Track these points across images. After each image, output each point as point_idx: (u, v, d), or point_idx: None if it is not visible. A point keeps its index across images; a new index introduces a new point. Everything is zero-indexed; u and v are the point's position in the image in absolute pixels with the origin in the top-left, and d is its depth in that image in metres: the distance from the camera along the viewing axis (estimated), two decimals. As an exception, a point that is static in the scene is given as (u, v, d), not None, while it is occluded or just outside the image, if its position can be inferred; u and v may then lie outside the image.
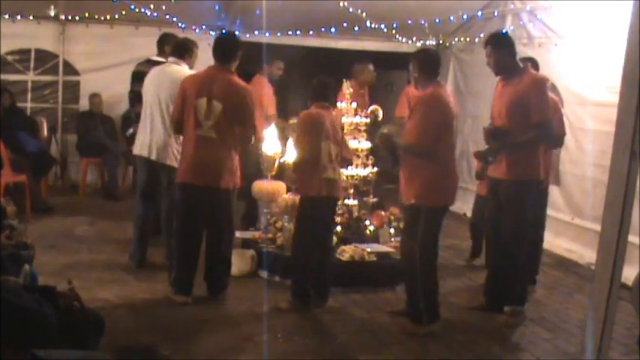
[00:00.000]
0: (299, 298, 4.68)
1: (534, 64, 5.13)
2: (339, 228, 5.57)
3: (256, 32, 8.31)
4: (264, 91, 6.67)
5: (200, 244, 4.76)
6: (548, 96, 4.57)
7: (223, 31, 7.98)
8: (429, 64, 4.48)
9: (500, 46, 4.58)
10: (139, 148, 5.41)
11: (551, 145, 5.15)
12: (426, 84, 4.46)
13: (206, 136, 4.58)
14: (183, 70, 5.29)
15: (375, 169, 5.83)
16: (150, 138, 5.30)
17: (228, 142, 4.63)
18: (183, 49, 5.45)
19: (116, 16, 8.00)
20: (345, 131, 5.72)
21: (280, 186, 5.84)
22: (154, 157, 5.30)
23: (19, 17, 7.87)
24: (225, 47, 4.76)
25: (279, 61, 7.06)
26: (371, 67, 7.16)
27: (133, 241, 5.54)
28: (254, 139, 4.89)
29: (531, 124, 4.45)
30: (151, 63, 5.90)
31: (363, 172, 5.70)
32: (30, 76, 8.34)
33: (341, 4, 7.22)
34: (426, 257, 4.37)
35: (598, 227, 2.25)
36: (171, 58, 5.46)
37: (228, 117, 4.58)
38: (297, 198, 5.35)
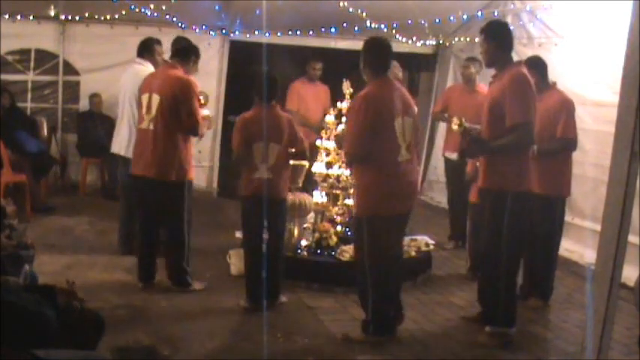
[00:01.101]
0: (249, 296, 4.67)
1: (538, 64, 4.83)
2: (339, 228, 5.57)
3: (256, 32, 8.32)
4: (291, 90, 7.44)
5: (152, 232, 4.99)
6: (526, 95, 4.04)
7: (223, 31, 8.04)
8: (375, 56, 4.13)
9: (494, 35, 4.19)
10: (114, 146, 5.92)
11: (566, 150, 4.88)
12: (371, 79, 4.12)
13: (146, 129, 4.81)
14: (143, 69, 5.53)
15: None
16: (120, 135, 5.81)
17: (167, 135, 4.75)
18: (142, 49, 5.74)
19: (116, 16, 7.98)
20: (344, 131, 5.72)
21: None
22: (123, 152, 5.73)
23: (19, 17, 7.85)
24: (178, 47, 5.07)
25: (316, 61, 7.22)
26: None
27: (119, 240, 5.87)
28: (198, 131, 4.89)
29: (505, 128, 4.03)
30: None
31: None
32: (30, 76, 8.32)
33: (341, 4, 7.21)
34: (368, 268, 4.09)
35: (598, 227, 2.25)
36: (136, 59, 5.74)
37: (167, 110, 4.71)
38: (298, 198, 5.37)
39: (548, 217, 4.90)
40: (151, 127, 4.77)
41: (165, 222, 4.97)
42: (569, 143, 4.88)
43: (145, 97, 4.84)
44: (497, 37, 4.21)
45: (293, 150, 4.76)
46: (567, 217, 6.59)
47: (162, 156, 4.76)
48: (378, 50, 4.17)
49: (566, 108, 4.87)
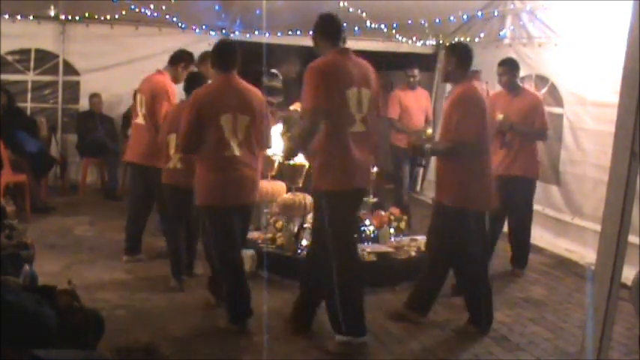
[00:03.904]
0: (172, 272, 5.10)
1: (458, 50, 4.45)
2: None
3: (256, 32, 8.32)
4: (392, 99, 7.46)
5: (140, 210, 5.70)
6: (312, 82, 3.85)
7: (223, 31, 8.05)
8: (218, 55, 4.35)
9: (315, 27, 4.17)
10: None
11: (459, 153, 4.25)
12: (215, 77, 4.46)
13: (138, 123, 5.60)
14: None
15: (375, 169, 5.82)
16: None
17: (150, 127, 5.46)
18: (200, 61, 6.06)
19: (116, 16, 7.99)
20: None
21: (280, 186, 5.84)
22: None
23: (19, 17, 7.86)
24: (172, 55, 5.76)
25: (412, 69, 7.41)
26: (502, 70, 5.85)
27: None
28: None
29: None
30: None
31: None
32: (30, 76, 8.33)
33: (341, 4, 7.22)
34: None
35: (598, 227, 2.25)
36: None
37: (148, 107, 5.48)
38: (298, 198, 5.38)
39: (459, 229, 4.33)
40: (142, 121, 5.54)
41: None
42: (460, 146, 4.21)
43: (138, 97, 5.67)
44: (317, 28, 4.15)
45: None
46: (567, 217, 6.66)
47: (147, 145, 5.42)
48: (222, 51, 4.39)
49: (460, 105, 4.24)
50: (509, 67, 5.68)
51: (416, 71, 7.52)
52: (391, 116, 7.27)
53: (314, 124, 3.85)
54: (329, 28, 4.09)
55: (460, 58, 4.36)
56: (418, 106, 7.46)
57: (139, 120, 5.58)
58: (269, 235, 5.55)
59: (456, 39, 8.66)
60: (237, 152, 4.18)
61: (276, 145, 5.56)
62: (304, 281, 4.30)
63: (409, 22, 7.94)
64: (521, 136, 5.52)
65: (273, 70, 6.46)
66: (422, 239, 5.69)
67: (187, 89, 4.94)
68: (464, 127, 4.19)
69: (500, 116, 5.53)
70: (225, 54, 4.36)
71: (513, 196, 5.55)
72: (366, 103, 3.97)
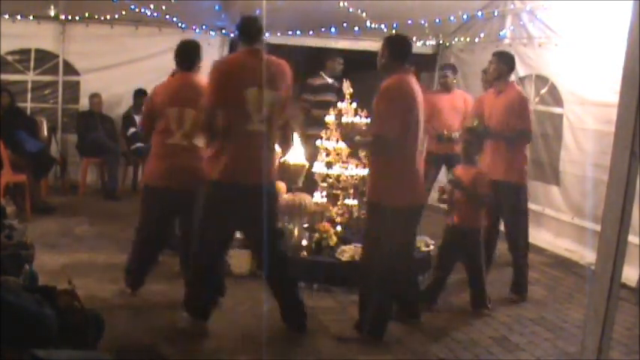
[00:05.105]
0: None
1: (395, 42, 4.31)
2: (339, 228, 5.57)
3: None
4: None
5: None
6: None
7: (223, 31, 8.03)
8: (177, 54, 4.72)
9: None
10: None
11: (383, 149, 4.12)
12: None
13: None
14: None
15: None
16: None
17: None
18: None
19: (116, 16, 7.99)
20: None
21: (280, 186, 5.83)
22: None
23: (19, 17, 7.86)
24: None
25: (447, 69, 7.26)
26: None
27: None
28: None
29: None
30: None
31: (363, 172, 5.70)
32: (30, 76, 8.33)
33: (341, 4, 7.22)
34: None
35: (598, 227, 2.25)
36: None
37: None
38: (298, 198, 5.39)
39: (374, 224, 4.21)
40: None
41: None
42: (379, 140, 4.09)
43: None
44: (237, 30, 4.32)
45: None
46: (567, 217, 6.66)
47: None
48: (184, 50, 4.74)
49: (383, 98, 4.10)
50: (502, 57, 5.43)
51: (449, 72, 7.10)
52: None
53: (206, 119, 4.08)
54: (247, 30, 4.20)
55: (393, 50, 4.22)
56: (452, 108, 6.95)
57: None
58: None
59: (456, 39, 8.68)
60: (180, 141, 4.55)
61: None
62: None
63: (409, 22, 7.93)
64: (504, 140, 5.20)
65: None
66: (421, 239, 5.70)
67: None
68: (384, 120, 4.05)
69: (475, 122, 5.38)
70: (186, 54, 4.73)
71: (500, 200, 5.20)
72: (269, 104, 4.02)
